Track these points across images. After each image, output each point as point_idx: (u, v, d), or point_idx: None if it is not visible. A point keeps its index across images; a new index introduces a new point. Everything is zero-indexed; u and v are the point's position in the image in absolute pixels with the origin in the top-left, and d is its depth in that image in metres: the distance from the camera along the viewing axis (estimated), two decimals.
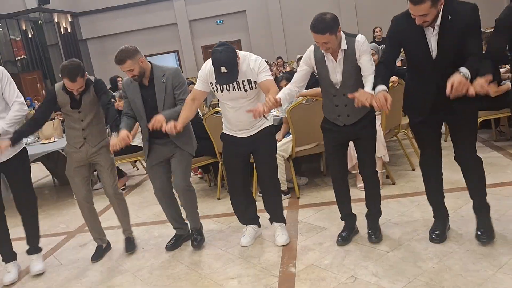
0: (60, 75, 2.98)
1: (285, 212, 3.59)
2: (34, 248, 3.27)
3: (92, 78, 3.17)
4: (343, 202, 2.96)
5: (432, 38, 2.39)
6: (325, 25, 2.48)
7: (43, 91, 15.47)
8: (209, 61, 2.78)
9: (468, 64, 2.22)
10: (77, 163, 3.20)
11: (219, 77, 2.69)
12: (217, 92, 2.87)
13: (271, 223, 3.18)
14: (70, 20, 16.63)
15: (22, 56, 15.60)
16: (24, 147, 3.16)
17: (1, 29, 14.85)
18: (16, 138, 2.92)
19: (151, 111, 2.99)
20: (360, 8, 14.85)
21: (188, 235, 3.35)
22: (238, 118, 2.88)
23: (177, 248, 3.27)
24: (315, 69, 2.73)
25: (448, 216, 2.81)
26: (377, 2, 14.17)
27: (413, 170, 4.14)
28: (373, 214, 2.91)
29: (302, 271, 2.63)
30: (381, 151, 3.74)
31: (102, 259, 3.29)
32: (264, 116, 2.61)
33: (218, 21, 16.90)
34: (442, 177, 2.74)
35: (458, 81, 2.11)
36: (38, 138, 5.48)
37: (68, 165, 3.25)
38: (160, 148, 3.11)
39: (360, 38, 2.60)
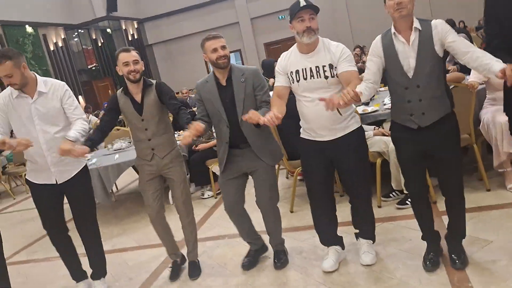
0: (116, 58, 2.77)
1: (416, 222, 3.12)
2: (97, 273, 3.06)
3: (153, 80, 2.89)
4: (425, 223, 2.54)
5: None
6: None
7: None
8: (284, 53, 2.60)
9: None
10: (148, 175, 2.91)
11: (301, 8, 2.37)
12: (293, 83, 2.52)
13: (357, 239, 2.78)
14: (136, 27, 17.03)
15: (94, 64, 16.15)
16: (86, 164, 2.92)
17: (76, 40, 15.43)
18: (90, 145, 2.65)
19: (229, 114, 2.67)
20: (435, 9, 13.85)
21: (263, 249, 3.05)
22: (317, 114, 2.47)
23: (255, 266, 2.96)
24: (383, 57, 2.31)
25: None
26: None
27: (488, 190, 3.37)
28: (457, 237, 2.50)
29: None
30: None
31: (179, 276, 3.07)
32: (338, 111, 2.26)
33: (280, 17, 16.54)
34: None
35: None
36: (130, 142, 5.35)
37: (140, 178, 2.98)
38: (238, 161, 2.76)
39: (436, 20, 2.23)
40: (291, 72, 2.53)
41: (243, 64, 16.71)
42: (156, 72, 17.73)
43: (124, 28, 16.29)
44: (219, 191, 4.95)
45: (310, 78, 2.46)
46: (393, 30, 2.28)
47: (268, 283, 2.74)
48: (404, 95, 2.28)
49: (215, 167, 4.91)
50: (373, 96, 4.59)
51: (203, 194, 4.94)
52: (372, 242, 2.76)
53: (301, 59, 2.49)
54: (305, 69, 2.47)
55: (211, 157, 4.81)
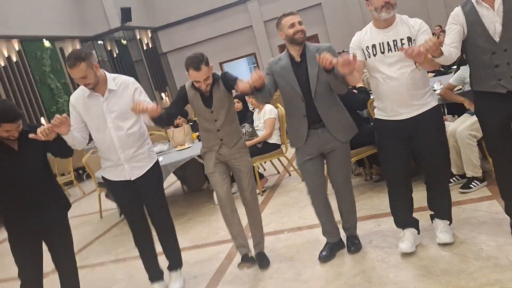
0: (186, 69, 2.73)
1: (485, 204, 3.06)
2: (174, 264, 3.05)
3: (218, 73, 2.89)
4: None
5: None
6: None
7: None
8: (358, 32, 2.62)
9: None
10: (217, 159, 2.91)
11: None
12: (369, 57, 2.50)
13: (432, 220, 2.74)
14: (150, 36, 17.15)
15: None
16: (157, 159, 2.93)
17: (92, 51, 15.59)
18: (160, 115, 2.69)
19: (303, 90, 2.66)
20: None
21: (341, 245, 2.98)
22: (395, 91, 2.44)
23: (332, 259, 2.90)
24: (465, 25, 2.32)
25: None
26: None
27: None
28: None
29: None
30: None
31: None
32: (416, 66, 2.31)
33: None
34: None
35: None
36: (170, 145, 5.35)
37: (207, 162, 2.95)
38: (313, 140, 2.73)
39: None
40: (367, 46, 2.52)
41: (258, 67, 16.73)
42: (171, 79, 17.80)
43: (138, 37, 16.40)
44: (264, 189, 4.93)
45: (388, 52, 2.45)
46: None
47: (344, 273, 2.70)
48: (491, 60, 2.30)
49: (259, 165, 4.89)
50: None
51: None
52: (448, 223, 2.71)
53: (378, 34, 2.48)
54: (383, 43, 2.46)
55: (255, 155, 4.78)
